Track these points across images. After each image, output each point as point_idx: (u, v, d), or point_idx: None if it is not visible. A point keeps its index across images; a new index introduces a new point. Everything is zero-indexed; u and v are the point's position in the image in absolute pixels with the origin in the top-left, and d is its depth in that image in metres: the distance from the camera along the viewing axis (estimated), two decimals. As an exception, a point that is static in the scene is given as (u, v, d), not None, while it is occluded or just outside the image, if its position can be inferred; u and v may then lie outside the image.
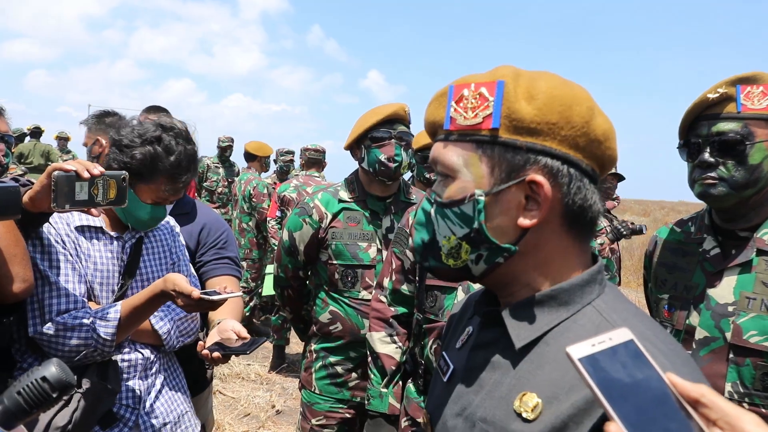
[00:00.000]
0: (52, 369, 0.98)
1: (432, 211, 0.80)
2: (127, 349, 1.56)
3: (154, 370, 1.62)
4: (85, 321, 1.42)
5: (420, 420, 1.78)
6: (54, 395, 0.97)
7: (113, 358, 1.52)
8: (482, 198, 0.75)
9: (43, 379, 0.97)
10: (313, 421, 2.26)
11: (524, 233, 0.75)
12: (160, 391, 1.63)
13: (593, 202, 0.77)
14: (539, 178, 0.73)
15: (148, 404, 1.58)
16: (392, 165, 2.13)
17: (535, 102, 0.73)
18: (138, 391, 1.56)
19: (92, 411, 1.42)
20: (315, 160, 5.01)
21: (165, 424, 1.61)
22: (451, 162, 0.78)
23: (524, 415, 0.71)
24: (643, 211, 26.57)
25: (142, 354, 1.59)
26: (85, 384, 1.43)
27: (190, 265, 1.83)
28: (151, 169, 1.53)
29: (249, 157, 5.94)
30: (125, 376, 1.55)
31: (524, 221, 0.74)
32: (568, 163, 0.75)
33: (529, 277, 0.78)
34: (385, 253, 2.19)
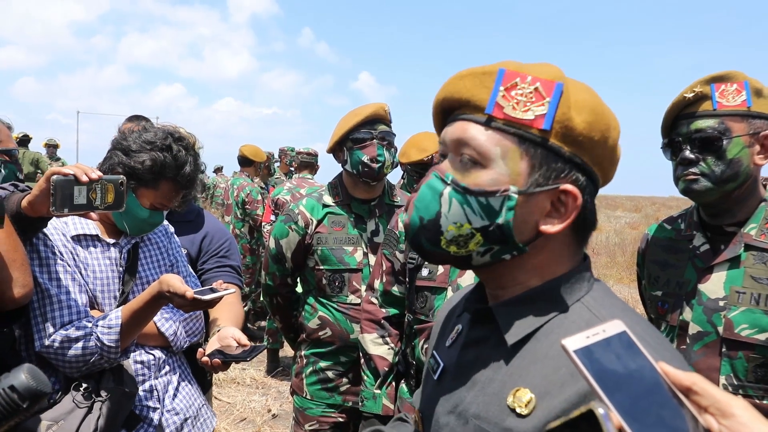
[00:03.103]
0: (21, 377, 0.91)
1: (445, 192, 0.76)
2: (137, 352, 1.57)
3: (167, 368, 1.64)
4: (88, 330, 1.43)
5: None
6: (24, 405, 0.90)
7: (125, 361, 1.52)
8: (515, 195, 0.74)
9: (11, 388, 0.90)
10: (306, 427, 2.25)
11: (538, 236, 0.76)
12: (177, 388, 1.65)
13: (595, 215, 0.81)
14: (573, 188, 0.74)
15: (167, 402, 1.60)
16: (375, 165, 2.11)
17: (583, 115, 0.73)
18: (156, 391, 1.58)
19: (115, 416, 1.43)
20: (308, 163, 5.01)
21: (186, 420, 1.63)
22: (486, 149, 0.74)
23: (518, 410, 0.72)
24: (634, 207, 26.72)
25: (153, 355, 1.60)
26: (104, 391, 1.44)
27: (189, 265, 1.83)
28: (157, 175, 1.55)
29: (244, 161, 5.71)
30: (141, 377, 1.56)
31: (547, 227, 0.75)
32: (591, 178, 0.77)
33: (524, 275, 0.79)
34: (370, 256, 2.19)
